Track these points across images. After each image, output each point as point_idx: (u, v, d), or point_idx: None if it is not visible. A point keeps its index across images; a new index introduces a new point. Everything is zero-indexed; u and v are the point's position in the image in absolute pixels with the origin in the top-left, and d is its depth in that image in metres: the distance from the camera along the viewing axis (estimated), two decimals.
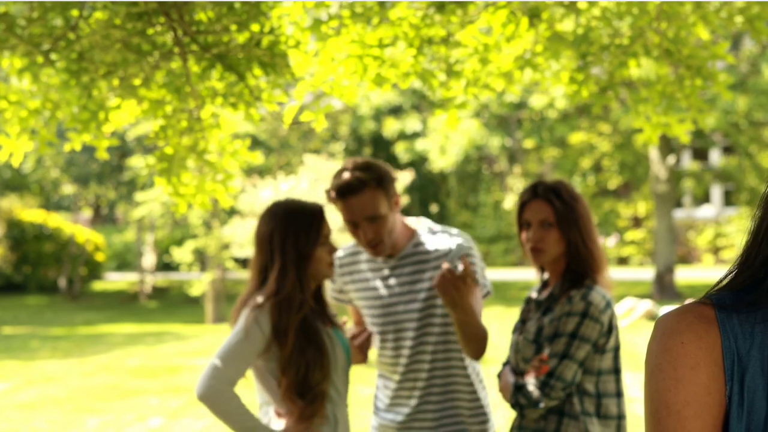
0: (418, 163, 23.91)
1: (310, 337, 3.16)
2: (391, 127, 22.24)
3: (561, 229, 3.15)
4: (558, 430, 3.10)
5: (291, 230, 3.15)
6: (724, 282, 1.33)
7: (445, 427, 3.41)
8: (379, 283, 3.43)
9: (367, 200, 3.26)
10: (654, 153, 20.79)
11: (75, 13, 2.96)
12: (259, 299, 3.16)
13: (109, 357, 13.65)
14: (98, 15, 3.02)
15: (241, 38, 3.13)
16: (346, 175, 3.26)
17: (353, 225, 3.30)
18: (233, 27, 3.08)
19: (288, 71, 3.20)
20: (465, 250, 3.37)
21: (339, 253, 3.55)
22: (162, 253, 25.60)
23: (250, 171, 19.37)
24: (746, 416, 1.24)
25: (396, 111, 23.20)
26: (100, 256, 25.23)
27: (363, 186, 3.24)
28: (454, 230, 3.48)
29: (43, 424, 9.13)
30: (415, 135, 22.57)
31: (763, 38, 3.35)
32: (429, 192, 25.45)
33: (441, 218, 26.50)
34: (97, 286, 25.82)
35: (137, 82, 3.44)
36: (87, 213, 30.26)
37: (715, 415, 1.25)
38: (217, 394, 3.04)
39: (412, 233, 3.44)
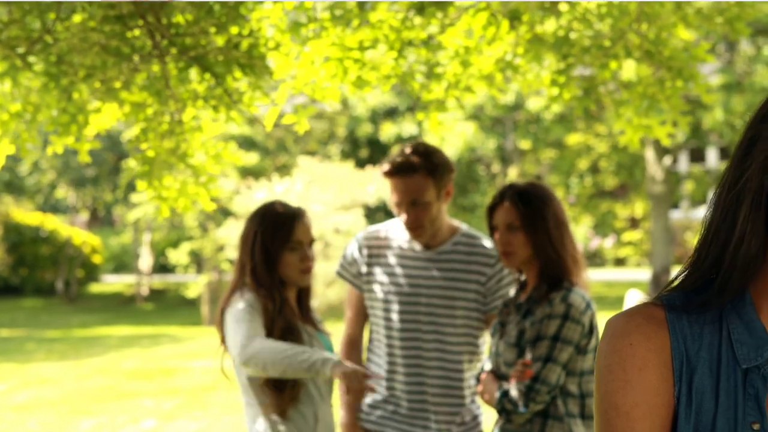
0: None
1: (290, 331, 3.19)
2: (387, 130, 22.23)
3: (526, 232, 3.16)
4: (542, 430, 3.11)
5: (260, 231, 3.21)
6: (676, 283, 1.33)
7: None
8: (411, 272, 3.45)
9: (415, 184, 3.33)
10: (650, 154, 20.79)
11: (52, 15, 2.97)
12: (242, 293, 3.20)
13: (104, 359, 13.65)
14: (76, 18, 3.03)
15: (220, 41, 3.14)
16: (403, 155, 3.36)
17: (398, 205, 3.36)
18: (212, 29, 3.09)
19: (267, 73, 3.21)
20: (502, 272, 3.45)
21: (363, 234, 3.60)
22: (159, 255, 25.58)
23: (246, 173, 19.36)
24: (694, 417, 1.25)
25: (392, 113, 23.20)
26: (97, 259, 25.21)
27: (414, 169, 3.33)
28: (487, 239, 3.53)
29: (36, 426, 9.13)
30: (412, 137, 22.58)
31: (744, 38, 3.36)
32: None
33: None
34: (94, 288, 25.80)
35: (118, 84, 3.45)
36: (84, 215, 30.27)
37: (664, 416, 1.25)
38: (254, 351, 3.03)
39: (454, 230, 3.50)
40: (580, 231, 28.51)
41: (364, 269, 3.52)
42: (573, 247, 3.23)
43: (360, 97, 19.99)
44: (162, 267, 26.30)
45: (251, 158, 20.71)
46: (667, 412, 1.25)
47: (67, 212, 26.11)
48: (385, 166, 3.37)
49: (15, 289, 24.27)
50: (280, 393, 3.18)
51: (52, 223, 24.35)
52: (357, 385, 2.87)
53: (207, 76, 3.21)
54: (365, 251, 3.52)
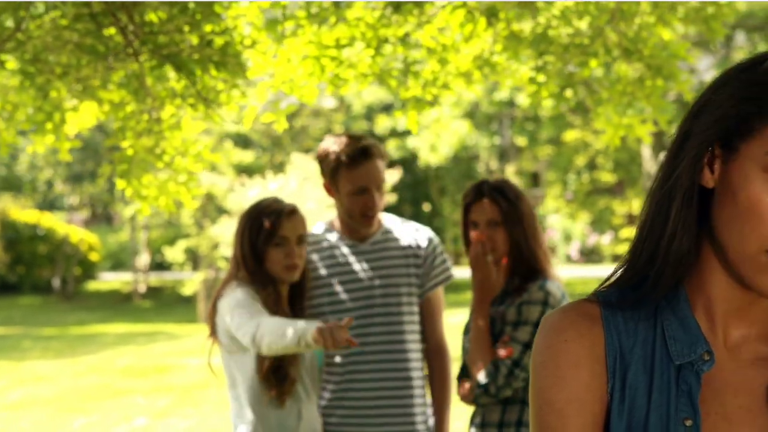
0: (410, 161, 23.91)
1: None
2: (382, 124, 22.23)
3: (506, 228, 3.17)
4: (520, 419, 3.11)
5: (247, 227, 3.23)
6: (612, 279, 1.33)
7: (395, 418, 3.44)
8: (353, 267, 3.45)
9: (379, 168, 3.34)
10: (646, 151, 20.80)
11: (22, 13, 2.97)
12: (236, 285, 3.22)
13: (99, 357, 13.65)
14: (48, 16, 3.03)
15: (194, 39, 3.13)
16: (360, 142, 3.33)
17: (361, 191, 3.33)
18: (186, 28, 3.09)
19: (241, 70, 3.21)
20: (436, 243, 3.47)
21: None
22: (155, 253, 25.59)
23: (241, 170, 19.36)
24: (627, 413, 1.24)
25: (388, 108, 23.18)
26: (94, 256, 25.22)
27: (376, 154, 3.33)
28: (417, 224, 3.56)
29: (29, 424, 9.14)
30: (407, 133, 22.58)
31: (719, 38, 3.36)
32: (420, 190, 25.46)
33: (433, 216, 26.49)
34: (92, 286, 25.81)
35: (96, 82, 3.45)
36: (84, 213, 30.26)
37: (597, 412, 1.25)
38: (261, 335, 3.03)
39: (379, 221, 3.50)
40: (578, 227, 28.52)
41: (312, 265, 3.51)
42: (544, 242, 3.26)
43: (355, 94, 19.98)
44: (159, 265, 26.31)
45: (247, 156, 20.71)
46: (600, 408, 1.25)
47: (67, 210, 26.10)
48: (342, 153, 3.29)
49: (12, 287, 24.28)
50: (281, 383, 3.20)
51: (49, 220, 24.35)
52: (332, 342, 2.84)
53: (180, 74, 3.20)
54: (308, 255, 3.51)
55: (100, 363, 13.02)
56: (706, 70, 19.72)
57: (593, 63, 3.66)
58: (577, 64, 3.65)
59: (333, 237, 3.49)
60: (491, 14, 3.46)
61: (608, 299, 1.30)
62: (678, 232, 1.24)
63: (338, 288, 3.46)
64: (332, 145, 3.36)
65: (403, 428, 3.43)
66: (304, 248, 3.32)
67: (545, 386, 1.26)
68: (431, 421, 3.53)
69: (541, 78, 3.63)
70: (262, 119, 3.63)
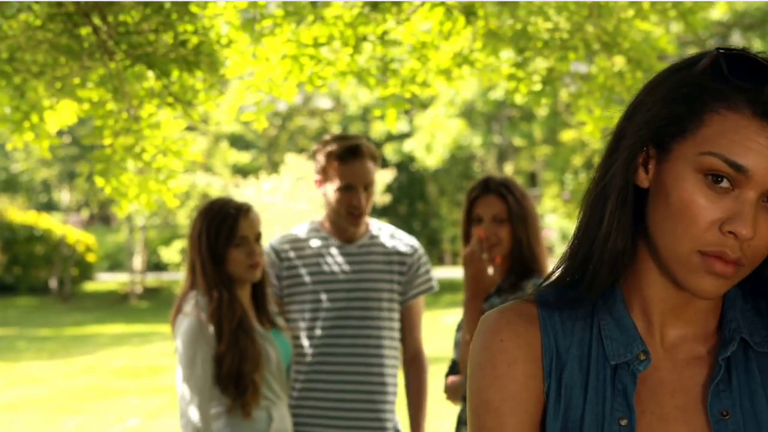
0: (407, 162, 23.92)
1: (242, 330, 3.18)
2: (378, 128, 22.25)
3: (512, 224, 3.16)
4: None
5: (205, 230, 3.20)
6: (551, 279, 1.33)
7: (364, 421, 3.43)
8: (335, 268, 3.45)
9: (368, 167, 3.34)
10: None
11: None
12: (192, 303, 3.20)
13: (94, 358, 13.65)
14: (21, 16, 3.02)
15: (168, 38, 3.12)
16: (352, 140, 3.35)
17: (348, 188, 3.33)
18: (160, 28, 3.08)
19: (214, 70, 3.20)
20: (422, 253, 3.48)
21: (276, 240, 3.56)
22: (152, 254, 25.58)
23: (236, 170, 19.36)
24: (563, 413, 1.24)
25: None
26: (91, 257, 25.21)
27: (365, 153, 3.33)
28: (405, 233, 3.57)
29: (22, 425, 9.13)
30: (403, 135, 22.59)
31: (700, 31, 3.35)
32: (417, 191, 25.46)
33: (429, 217, 26.49)
34: (89, 286, 25.79)
35: (77, 80, 3.44)
36: (83, 214, 30.24)
37: (533, 412, 1.25)
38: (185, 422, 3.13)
39: (367, 224, 3.50)
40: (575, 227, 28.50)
41: (284, 273, 3.50)
42: (543, 244, 3.24)
43: (352, 96, 19.99)
44: (156, 265, 26.30)
45: (243, 157, 20.71)
46: (536, 408, 1.25)
47: (65, 212, 26.08)
48: (333, 150, 3.31)
49: (9, 288, 24.26)
50: (243, 393, 3.17)
51: (46, 221, 24.34)
52: None
53: (157, 73, 3.19)
54: (287, 254, 3.50)
55: (95, 364, 13.02)
56: None
57: (572, 56, 3.65)
58: (556, 59, 3.64)
59: (321, 236, 3.48)
60: (469, 12, 3.46)
61: (546, 299, 1.30)
62: (612, 231, 1.24)
63: (319, 287, 3.45)
64: (327, 141, 3.39)
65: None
66: (261, 246, 3.31)
67: (482, 386, 1.26)
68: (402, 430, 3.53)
69: (521, 74, 3.63)
70: (241, 118, 3.63)
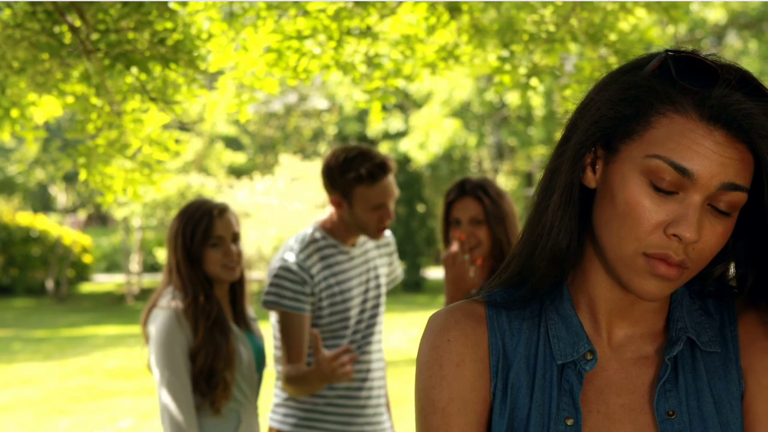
0: (403, 162, 23.92)
1: (219, 329, 3.17)
2: (374, 127, 22.24)
3: (489, 226, 3.16)
4: None
5: (181, 230, 3.20)
6: (499, 278, 1.32)
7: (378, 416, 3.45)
8: (351, 272, 3.44)
9: (393, 181, 3.31)
10: None
11: None
12: (168, 297, 3.18)
13: (88, 359, 13.62)
14: (2, 15, 3.00)
15: (146, 35, 3.11)
16: (374, 158, 3.26)
17: (380, 207, 3.27)
18: (139, 26, 3.06)
19: (193, 66, 3.18)
20: (391, 241, 3.48)
21: (300, 251, 3.34)
22: (148, 255, 25.57)
23: (232, 171, 19.36)
24: (509, 412, 1.23)
25: (384, 110, 23.19)
26: (87, 258, 25.19)
27: (391, 168, 3.29)
28: None
29: (14, 426, 9.10)
30: (399, 135, 22.59)
31: (682, 25, 3.33)
32: (414, 191, 25.44)
33: (426, 216, 26.49)
34: (85, 288, 25.78)
35: (60, 75, 3.43)
36: (80, 215, 30.22)
37: (480, 412, 1.24)
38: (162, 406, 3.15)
39: None
40: None
41: (317, 280, 3.33)
42: None
43: (348, 96, 19.97)
44: (152, 267, 26.29)
45: (239, 158, 20.69)
46: (483, 408, 1.24)
47: (61, 213, 26.06)
48: (358, 174, 3.21)
49: (6, 289, 24.24)
50: (213, 390, 3.16)
51: (42, 222, 24.32)
52: None
53: (135, 71, 3.18)
54: (315, 264, 3.33)
55: (89, 365, 12.99)
56: None
57: (559, 48, 3.63)
58: (543, 52, 3.62)
59: (330, 244, 3.41)
60: (453, 7, 3.44)
61: (493, 298, 1.29)
62: (555, 228, 1.23)
63: (346, 296, 3.37)
64: (345, 161, 3.25)
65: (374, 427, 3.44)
66: (239, 246, 3.28)
67: (429, 386, 1.25)
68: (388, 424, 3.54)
69: (507, 67, 3.61)
70: (225, 110, 3.61)
